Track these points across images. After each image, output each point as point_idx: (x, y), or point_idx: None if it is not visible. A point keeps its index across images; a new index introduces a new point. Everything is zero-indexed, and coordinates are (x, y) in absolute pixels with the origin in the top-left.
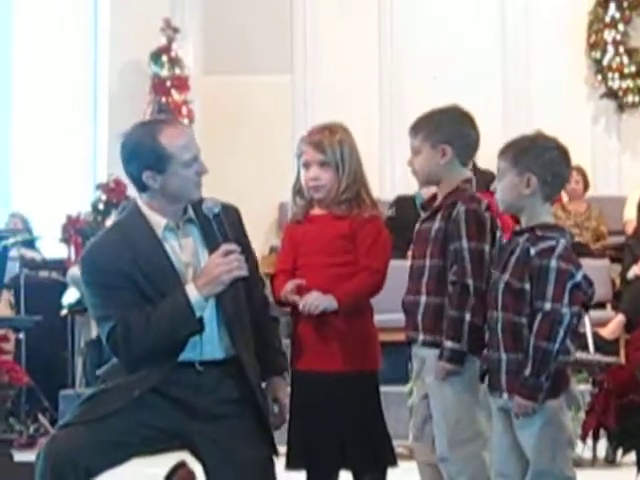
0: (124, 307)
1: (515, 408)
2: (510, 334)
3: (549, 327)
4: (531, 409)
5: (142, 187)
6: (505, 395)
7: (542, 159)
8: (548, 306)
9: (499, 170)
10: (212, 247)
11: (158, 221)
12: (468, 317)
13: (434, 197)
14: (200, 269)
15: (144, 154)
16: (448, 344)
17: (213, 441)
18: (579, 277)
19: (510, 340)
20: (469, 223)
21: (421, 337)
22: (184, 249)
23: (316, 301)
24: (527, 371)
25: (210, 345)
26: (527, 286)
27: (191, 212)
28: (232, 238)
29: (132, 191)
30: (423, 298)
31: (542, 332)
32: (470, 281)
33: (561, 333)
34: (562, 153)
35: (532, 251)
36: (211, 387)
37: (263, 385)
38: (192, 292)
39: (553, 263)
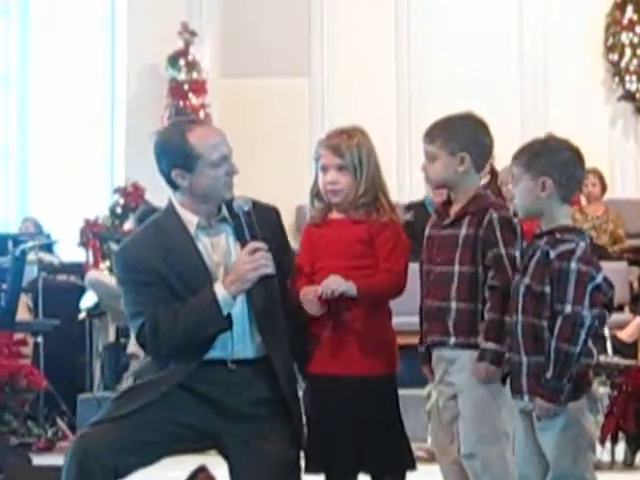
0: (154, 303)
1: (537, 410)
2: (530, 337)
3: (570, 330)
4: (553, 411)
5: (173, 185)
6: (526, 397)
7: (555, 161)
8: (569, 309)
9: (514, 176)
10: (242, 246)
11: (191, 219)
12: (509, 320)
13: (448, 202)
14: (231, 268)
15: (173, 153)
16: (491, 345)
17: (241, 441)
18: (599, 279)
19: (530, 343)
20: (504, 229)
21: (453, 340)
22: (216, 248)
23: (334, 284)
24: (549, 374)
25: (241, 344)
26: (547, 289)
27: (225, 211)
28: (261, 236)
29: (150, 195)
30: (454, 304)
31: (563, 335)
32: (510, 286)
33: (582, 335)
34: (575, 154)
35: (552, 254)
36: (242, 386)
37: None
38: (220, 290)
39: (573, 265)
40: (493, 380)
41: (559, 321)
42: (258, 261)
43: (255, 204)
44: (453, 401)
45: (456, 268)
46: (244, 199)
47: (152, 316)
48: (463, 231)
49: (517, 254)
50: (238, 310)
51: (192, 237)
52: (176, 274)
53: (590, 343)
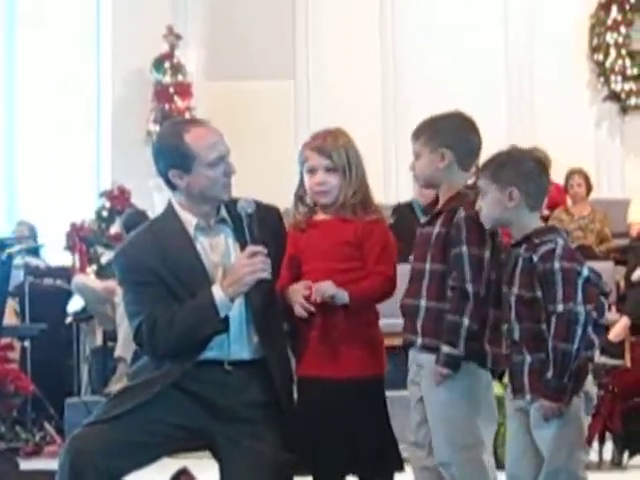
0: (152, 303)
1: (542, 411)
2: (530, 339)
3: (565, 328)
4: (558, 410)
5: (172, 186)
6: (528, 396)
7: (520, 171)
8: (560, 307)
9: (481, 188)
10: (243, 248)
11: (190, 220)
12: (466, 322)
13: (436, 201)
14: (229, 269)
15: (170, 153)
16: (445, 349)
17: (234, 442)
18: (586, 272)
19: (532, 342)
20: (469, 229)
21: (420, 341)
22: (214, 249)
23: (327, 288)
24: (549, 373)
25: (238, 345)
26: (539, 293)
27: (224, 212)
28: (261, 239)
29: (136, 199)
30: (423, 302)
31: (559, 334)
32: (469, 287)
33: (579, 332)
34: (538, 163)
35: (535, 258)
36: (238, 388)
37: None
38: (218, 292)
39: (557, 265)
40: (456, 384)
41: (553, 321)
42: (256, 265)
43: (258, 205)
44: (421, 403)
45: (427, 266)
46: (247, 201)
47: (149, 316)
48: (436, 229)
49: (486, 254)
50: (235, 312)
51: (191, 238)
52: (174, 275)
53: (592, 334)
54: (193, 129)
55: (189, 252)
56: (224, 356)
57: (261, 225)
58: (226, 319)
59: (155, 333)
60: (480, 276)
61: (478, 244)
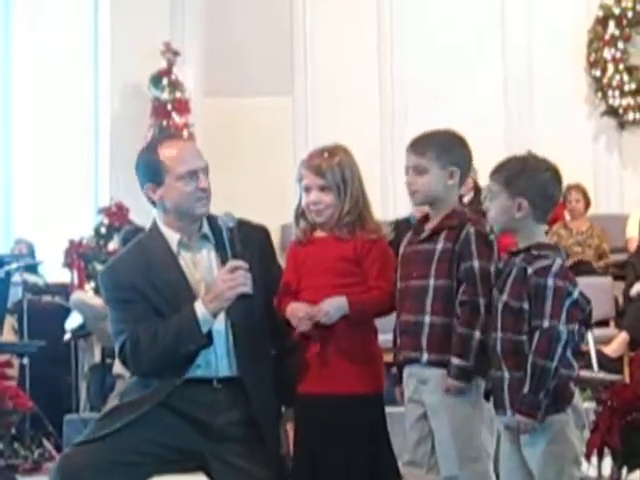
0: (136, 321)
1: (517, 425)
2: (510, 353)
3: (547, 344)
4: (531, 426)
5: (151, 202)
6: (509, 413)
7: (534, 182)
8: (546, 324)
9: (491, 191)
10: (223, 263)
11: (173, 237)
12: (477, 335)
13: (426, 218)
14: (212, 285)
15: (145, 167)
16: (455, 361)
17: (225, 462)
18: (576, 294)
19: (511, 358)
20: (479, 244)
21: (425, 357)
22: (197, 265)
23: (332, 312)
24: (525, 388)
25: (226, 362)
26: (525, 305)
27: (206, 229)
28: (242, 254)
29: (134, 214)
30: (427, 318)
31: (540, 349)
32: (481, 300)
33: (559, 350)
34: (554, 174)
35: (529, 270)
36: (225, 406)
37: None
38: (200, 307)
39: (550, 281)
40: (466, 397)
41: (536, 336)
42: (237, 280)
43: (242, 223)
44: (422, 421)
45: (431, 282)
46: (229, 216)
47: (132, 332)
48: (440, 245)
49: (492, 268)
50: (220, 328)
51: (174, 254)
52: (158, 291)
53: (570, 357)
54: (168, 143)
55: (173, 269)
56: (212, 374)
57: (244, 241)
58: (209, 334)
59: (138, 350)
60: (489, 290)
61: (487, 259)
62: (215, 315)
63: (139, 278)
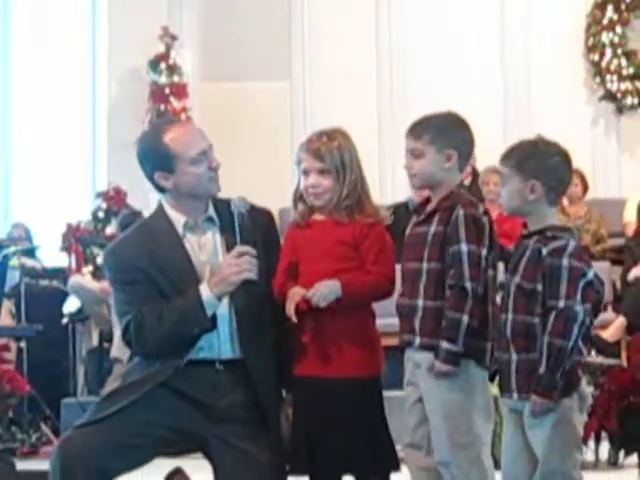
0: (141, 302)
1: (531, 406)
2: (521, 335)
3: (563, 325)
4: (546, 407)
5: (159, 189)
6: (515, 396)
7: (546, 165)
8: (562, 304)
9: (502, 176)
10: (230, 247)
11: (178, 219)
12: (466, 319)
13: (427, 201)
14: (216, 268)
15: (152, 156)
16: (444, 345)
17: (227, 443)
18: (591, 275)
19: (521, 341)
20: (468, 227)
21: (418, 340)
22: (202, 248)
23: (321, 298)
24: (542, 369)
25: (229, 344)
26: (539, 286)
27: (212, 211)
28: (250, 240)
29: (132, 199)
30: (420, 301)
31: (556, 330)
32: (468, 284)
33: (575, 330)
34: (564, 158)
35: (544, 251)
36: (228, 388)
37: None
38: (205, 290)
39: (565, 262)
40: (457, 382)
41: (552, 316)
42: (242, 265)
43: (251, 207)
44: (419, 404)
45: (424, 265)
46: (242, 201)
47: (138, 314)
48: (433, 228)
49: (484, 252)
50: (224, 311)
51: (180, 237)
52: (163, 273)
53: (580, 341)
54: (170, 129)
55: (178, 251)
56: (215, 356)
57: (252, 226)
58: (214, 318)
59: (143, 331)
60: (479, 274)
61: (476, 242)
62: (220, 298)
63: (144, 259)
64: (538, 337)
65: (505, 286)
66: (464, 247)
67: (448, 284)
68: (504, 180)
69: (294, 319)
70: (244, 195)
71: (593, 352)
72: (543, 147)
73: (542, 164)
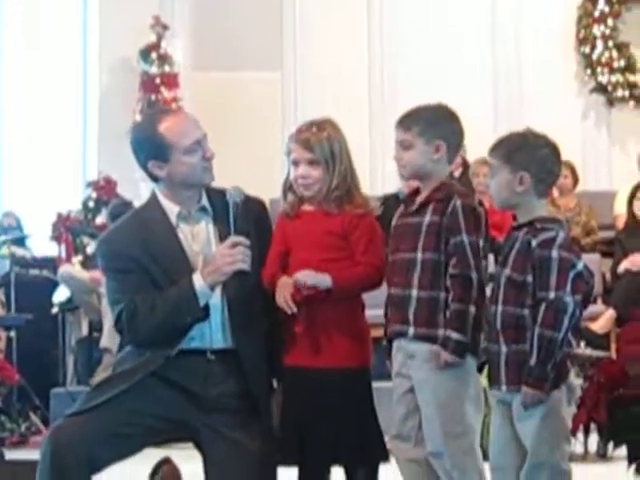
0: (133, 291)
1: (522, 398)
2: (510, 326)
3: (553, 316)
4: (537, 398)
5: (153, 178)
6: (504, 388)
7: (535, 157)
8: (552, 295)
9: (491, 167)
10: (223, 237)
11: (172, 208)
12: (473, 310)
13: (416, 192)
14: (209, 258)
15: (146, 145)
16: (454, 335)
17: (217, 432)
18: (580, 266)
19: (511, 332)
20: (467, 217)
21: (412, 330)
22: (195, 237)
23: (306, 278)
24: (532, 360)
25: (220, 334)
26: (529, 278)
27: (205, 200)
28: (244, 230)
29: (122, 189)
30: (414, 292)
31: (547, 321)
32: (473, 274)
33: (565, 322)
34: (553, 150)
35: (533, 243)
36: (220, 378)
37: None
38: (198, 280)
39: (554, 253)
40: (453, 372)
41: (542, 308)
42: (236, 256)
43: (245, 197)
44: (410, 395)
45: (419, 255)
46: (237, 191)
47: (130, 303)
48: (427, 218)
49: (481, 242)
50: (216, 301)
51: (173, 226)
52: (156, 263)
53: (570, 334)
54: (165, 118)
55: (171, 240)
56: (206, 345)
57: (246, 216)
58: (206, 307)
59: (135, 320)
60: (480, 264)
61: (475, 233)
62: (213, 288)
63: (137, 248)
64: (528, 329)
65: (495, 278)
66: (465, 238)
67: (451, 274)
68: (493, 172)
69: (294, 309)
70: (235, 184)
71: (582, 344)
72: (532, 139)
73: (531, 156)
